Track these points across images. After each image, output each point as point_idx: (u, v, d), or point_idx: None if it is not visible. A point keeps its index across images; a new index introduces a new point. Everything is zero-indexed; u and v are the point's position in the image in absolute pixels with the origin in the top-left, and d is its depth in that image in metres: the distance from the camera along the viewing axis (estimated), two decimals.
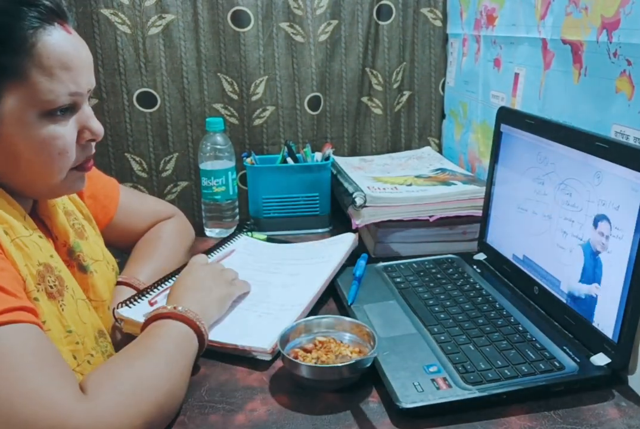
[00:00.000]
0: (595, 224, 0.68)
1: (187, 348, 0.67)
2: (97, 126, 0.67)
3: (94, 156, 0.70)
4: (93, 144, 0.69)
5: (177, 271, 0.88)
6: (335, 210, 1.16)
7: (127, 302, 0.78)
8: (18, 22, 0.57)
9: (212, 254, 0.97)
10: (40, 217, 0.71)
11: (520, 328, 0.74)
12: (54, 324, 0.63)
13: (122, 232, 0.92)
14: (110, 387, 0.56)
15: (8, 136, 0.60)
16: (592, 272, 0.68)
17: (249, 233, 1.07)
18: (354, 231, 1.01)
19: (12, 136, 0.60)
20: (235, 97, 1.24)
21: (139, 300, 0.79)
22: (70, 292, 0.67)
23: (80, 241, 0.75)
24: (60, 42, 0.60)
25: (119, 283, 0.83)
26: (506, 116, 0.90)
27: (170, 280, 0.86)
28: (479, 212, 0.97)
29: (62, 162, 0.64)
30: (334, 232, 1.12)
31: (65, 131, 0.63)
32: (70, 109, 0.63)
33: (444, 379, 0.65)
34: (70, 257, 0.72)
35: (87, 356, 0.67)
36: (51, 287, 0.64)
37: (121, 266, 0.89)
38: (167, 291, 0.80)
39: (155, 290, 0.83)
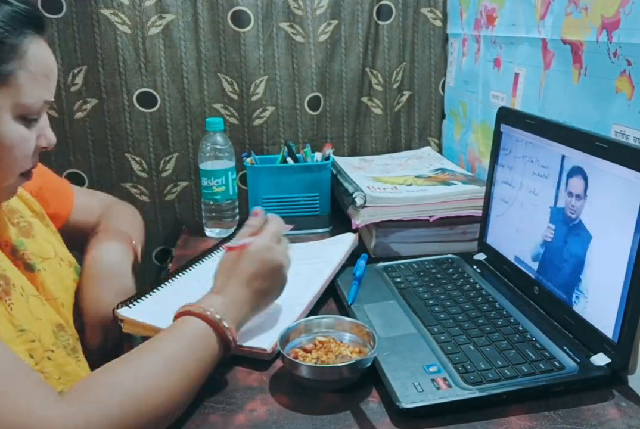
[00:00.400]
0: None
1: (202, 351, 0.64)
2: (53, 136, 0.69)
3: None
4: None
5: (178, 270, 0.88)
6: (335, 210, 1.16)
7: (127, 302, 0.78)
8: (16, 30, 0.60)
9: (212, 254, 0.97)
10: None
11: (520, 328, 0.74)
12: (3, 325, 0.61)
13: (79, 227, 0.91)
14: (95, 396, 0.54)
15: None
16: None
17: None
18: (354, 231, 1.01)
19: None
20: (235, 97, 1.24)
21: (139, 300, 0.79)
22: (19, 290, 0.65)
23: (25, 239, 0.73)
24: (45, 52, 0.64)
25: None
26: (506, 115, 0.90)
27: (173, 278, 0.86)
28: (479, 212, 0.97)
29: (23, 165, 0.65)
30: (334, 232, 1.12)
31: (32, 136, 0.65)
32: (37, 117, 0.65)
33: (444, 379, 0.65)
34: (15, 256, 0.70)
35: (46, 353, 0.65)
36: None
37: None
38: (173, 288, 0.82)
39: (156, 289, 0.83)
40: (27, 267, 0.71)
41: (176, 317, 0.67)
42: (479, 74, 1.17)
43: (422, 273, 0.91)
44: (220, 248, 0.99)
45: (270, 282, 0.73)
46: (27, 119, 0.63)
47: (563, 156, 0.75)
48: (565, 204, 0.74)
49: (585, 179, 0.70)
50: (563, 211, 0.75)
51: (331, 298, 0.88)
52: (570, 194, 0.73)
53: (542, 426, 0.60)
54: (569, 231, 0.73)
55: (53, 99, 0.67)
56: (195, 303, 0.67)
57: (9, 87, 0.60)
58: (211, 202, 1.13)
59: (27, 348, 0.63)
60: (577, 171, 0.72)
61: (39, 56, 0.62)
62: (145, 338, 0.74)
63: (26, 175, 0.68)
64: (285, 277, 0.75)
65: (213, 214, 1.14)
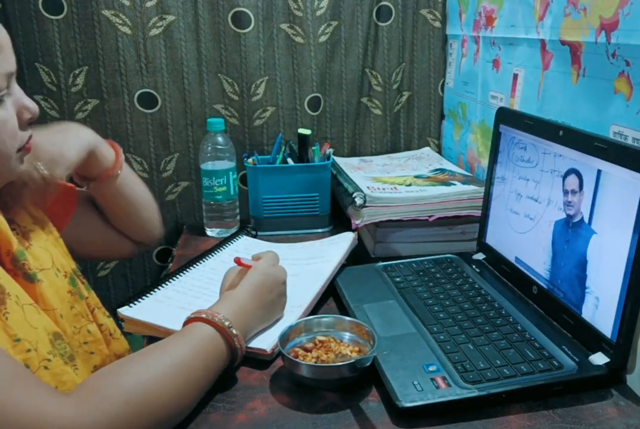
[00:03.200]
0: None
1: (209, 356, 0.64)
2: (33, 103, 0.67)
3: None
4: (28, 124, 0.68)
5: (179, 270, 0.88)
6: (335, 210, 1.17)
7: (128, 301, 0.78)
8: None
9: (212, 253, 0.97)
10: None
11: (519, 327, 0.74)
12: None
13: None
14: (101, 396, 0.55)
15: None
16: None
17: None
18: (354, 231, 1.02)
19: None
20: (235, 97, 1.24)
21: (139, 299, 0.80)
22: (14, 299, 0.63)
23: (25, 248, 0.70)
24: None
25: None
26: (505, 116, 0.90)
27: (174, 278, 0.86)
28: (478, 213, 0.98)
29: (13, 146, 0.64)
30: (333, 233, 1.12)
31: (9, 114, 0.63)
32: (6, 91, 0.63)
33: (444, 378, 0.65)
34: (15, 266, 0.68)
35: (42, 362, 0.64)
36: None
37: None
38: (174, 287, 0.82)
39: (157, 289, 0.83)
40: (27, 278, 0.68)
41: (186, 323, 0.68)
42: (478, 75, 1.17)
43: (421, 273, 0.92)
44: (221, 249, 1.00)
45: (274, 295, 0.76)
46: None
47: (561, 156, 0.75)
48: (563, 203, 0.74)
49: (580, 178, 0.70)
50: (562, 211, 0.75)
51: (331, 298, 0.89)
52: (566, 192, 0.74)
53: (541, 425, 0.61)
54: (569, 231, 0.73)
55: (14, 68, 0.64)
56: (205, 310, 0.68)
57: None
58: (212, 202, 1.13)
59: (23, 358, 0.62)
60: (571, 170, 0.72)
61: None
62: (152, 339, 0.74)
63: (23, 149, 0.67)
64: (285, 295, 0.79)
65: (214, 214, 1.14)
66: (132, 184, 0.90)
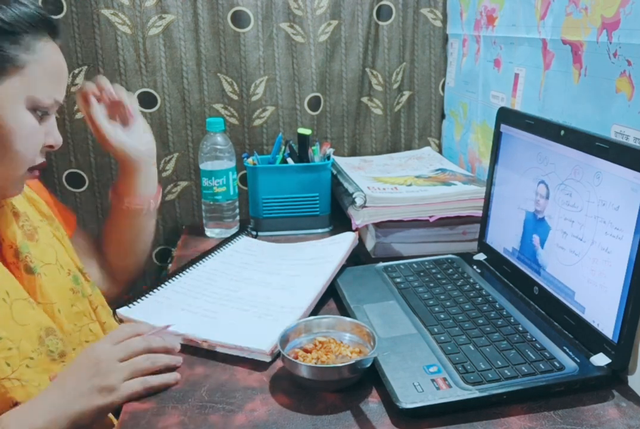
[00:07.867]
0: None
1: None
2: (59, 136, 0.73)
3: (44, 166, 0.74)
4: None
5: (178, 271, 0.88)
6: (335, 210, 1.16)
7: (127, 302, 0.78)
8: (33, 28, 0.66)
9: (212, 254, 0.97)
10: None
11: (520, 328, 0.74)
12: None
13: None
14: None
15: None
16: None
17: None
18: (354, 232, 1.01)
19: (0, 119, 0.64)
20: (235, 97, 1.24)
21: (138, 300, 0.80)
22: (2, 296, 0.65)
23: (30, 242, 0.74)
24: (58, 56, 0.70)
25: None
26: (506, 116, 0.90)
27: (173, 278, 0.86)
28: (479, 213, 0.97)
29: (32, 157, 0.69)
30: (334, 233, 1.12)
31: (41, 130, 0.69)
32: (46, 114, 0.69)
33: (444, 379, 0.65)
34: (18, 258, 0.71)
35: (24, 361, 0.64)
36: None
37: None
38: (173, 288, 0.83)
39: (156, 289, 0.83)
40: (28, 270, 0.71)
41: None
42: (479, 75, 1.17)
43: (422, 273, 0.91)
44: (221, 249, 0.99)
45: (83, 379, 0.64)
46: (38, 113, 0.67)
47: (562, 156, 0.75)
48: (565, 203, 0.74)
49: (582, 178, 0.70)
50: (564, 210, 0.75)
51: (331, 298, 0.89)
52: (568, 193, 0.73)
53: (542, 426, 0.60)
54: (570, 231, 0.73)
55: (62, 102, 0.71)
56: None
57: (24, 77, 0.64)
58: (212, 203, 1.13)
59: (3, 357, 0.62)
60: (576, 171, 0.72)
61: (52, 57, 0.68)
62: None
63: (33, 171, 0.71)
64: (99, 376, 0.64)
65: (213, 214, 1.14)
66: (151, 222, 0.96)
